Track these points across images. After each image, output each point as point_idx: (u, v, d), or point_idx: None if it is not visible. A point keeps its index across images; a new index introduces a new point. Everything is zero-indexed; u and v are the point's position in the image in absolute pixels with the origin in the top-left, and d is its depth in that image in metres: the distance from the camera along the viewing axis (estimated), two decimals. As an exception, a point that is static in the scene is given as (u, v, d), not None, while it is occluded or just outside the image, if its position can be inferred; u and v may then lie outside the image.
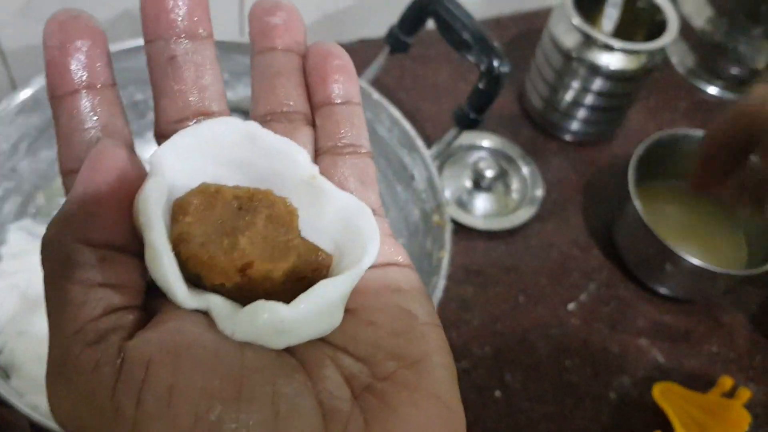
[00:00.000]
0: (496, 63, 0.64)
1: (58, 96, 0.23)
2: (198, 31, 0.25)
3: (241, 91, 0.76)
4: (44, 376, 0.50)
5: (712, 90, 0.99)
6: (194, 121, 0.25)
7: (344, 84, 0.27)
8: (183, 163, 0.24)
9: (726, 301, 0.79)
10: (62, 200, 0.65)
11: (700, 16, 0.94)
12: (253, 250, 0.23)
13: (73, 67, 0.23)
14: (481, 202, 0.82)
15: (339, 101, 0.27)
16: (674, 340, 0.75)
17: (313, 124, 0.27)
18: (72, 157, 0.23)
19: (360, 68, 0.72)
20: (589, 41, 0.79)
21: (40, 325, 0.60)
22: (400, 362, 0.23)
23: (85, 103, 0.23)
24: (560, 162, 0.88)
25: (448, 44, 0.68)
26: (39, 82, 0.65)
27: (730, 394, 0.71)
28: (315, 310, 0.23)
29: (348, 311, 0.24)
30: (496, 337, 0.73)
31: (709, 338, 0.77)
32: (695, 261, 0.70)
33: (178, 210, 0.23)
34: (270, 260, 0.23)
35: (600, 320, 0.76)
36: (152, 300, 0.23)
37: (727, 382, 0.71)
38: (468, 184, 0.83)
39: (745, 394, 0.71)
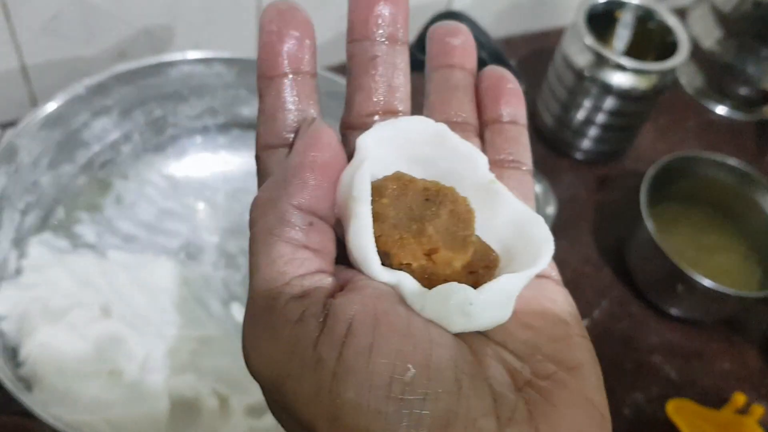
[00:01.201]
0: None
1: (269, 77, 0.26)
2: (398, 36, 0.28)
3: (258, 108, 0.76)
4: (67, 388, 0.49)
5: (721, 110, 1.00)
6: (377, 117, 0.28)
7: (514, 106, 0.30)
8: (379, 150, 0.26)
9: (738, 321, 0.80)
10: (83, 214, 0.65)
11: (710, 37, 0.96)
12: (438, 238, 0.25)
13: (285, 52, 0.26)
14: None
15: (508, 120, 0.29)
16: (687, 358, 0.76)
17: (481, 138, 0.30)
18: (273, 134, 0.26)
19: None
20: (601, 61, 0.80)
21: (61, 337, 0.60)
22: (559, 366, 0.24)
23: (291, 86, 0.26)
24: (572, 180, 0.89)
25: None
26: (62, 98, 0.66)
27: (744, 410, 0.71)
28: (497, 300, 0.24)
29: None
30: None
31: (722, 356, 0.77)
32: (708, 283, 0.71)
33: (374, 192, 0.25)
34: (452, 250, 0.25)
35: (613, 337, 0.76)
36: (340, 271, 0.25)
37: (740, 398, 0.71)
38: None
39: (758, 410, 0.71)
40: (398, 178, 0.26)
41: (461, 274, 0.25)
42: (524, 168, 0.29)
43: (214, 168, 0.78)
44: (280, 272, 0.23)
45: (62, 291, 0.64)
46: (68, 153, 0.70)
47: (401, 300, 0.24)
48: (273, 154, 0.26)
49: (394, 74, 0.28)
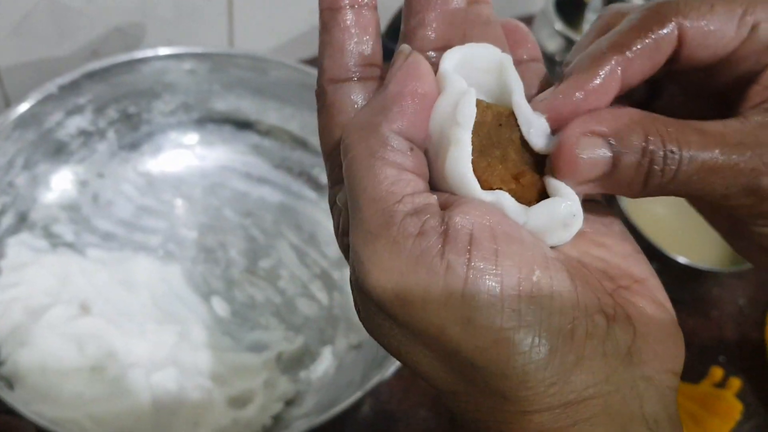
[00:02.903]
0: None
1: (334, 8, 0.26)
2: None
3: (233, 102, 0.77)
4: (50, 385, 0.49)
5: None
6: (437, 52, 0.28)
7: (533, 49, 0.31)
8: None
9: (714, 297, 0.81)
10: (60, 213, 0.65)
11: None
12: (521, 161, 0.26)
13: None
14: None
15: (528, 59, 0.31)
16: (664, 335, 0.77)
17: None
18: (340, 67, 0.27)
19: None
20: (572, 46, 0.81)
21: (42, 335, 0.60)
22: (633, 278, 0.27)
23: (358, 18, 0.27)
24: (547, 165, 0.89)
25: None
26: (35, 97, 0.66)
27: (721, 384, 0.73)
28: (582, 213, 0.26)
29: (576, 234, 0.27)
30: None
31: (699, 332, 0.78)
32: (682, 260, 0.72)
33: None
34: (534, 171, 0.27)
35: (591, 317, 0.77)
36: (436, 194, 0.26)
37: (717, 372, 0.73)
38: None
39: (735, 383, 0.72)
40: (477, 104, 0.26)
41: (542, 196, 0.27)
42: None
43: (190, 163, 0.78)
44: (390, 191, 0.24)
45: (42, 290, 0.64)
46: (43, 153, 0.70)
47: (506, 215, 0.25)
48: (340, 88, 0.27)
49: (451, 5, 0.28)
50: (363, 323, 0.26)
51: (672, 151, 0.25)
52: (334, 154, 0.27)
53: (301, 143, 0.78)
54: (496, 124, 0.27)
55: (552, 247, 0.26)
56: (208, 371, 0.64)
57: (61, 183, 0.72)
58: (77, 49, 0.78)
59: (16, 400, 0.52)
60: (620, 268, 0.27)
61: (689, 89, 0.31)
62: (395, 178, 0.24)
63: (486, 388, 0.24)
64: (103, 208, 0.73)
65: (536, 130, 0.26)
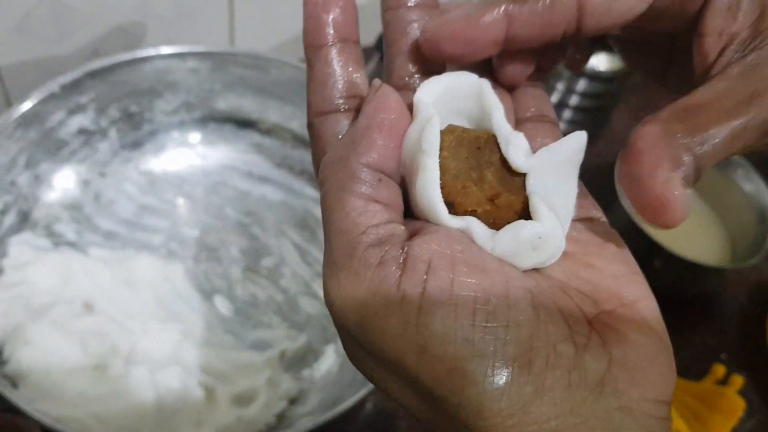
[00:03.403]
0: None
1: (316, 46, 0.28)
2: (430, 1, 0.30)
3: (233, 101, 0.77)
4: (53, 384, 0.50)
5: (693, 89, 1.01)
6: (417, 77, 0.29)
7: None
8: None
9: (715, 294, 0.81)
10: (62, 213, 0.65)
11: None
12: (497, 183, 0.26)
13: (331, 22, 0.28)
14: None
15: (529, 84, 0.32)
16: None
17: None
18: (324, 101, 0.28)
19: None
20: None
21: (45, 334, 0.60)
22: (621, 300, 0.26)
23: (339, 54, 0.28)
24: (548, 163, 0.89)
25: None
26: (37, 97, 0.66)
27: (724, 381, 0.73)
28: (560, 233, 0.26)
29: (564, 255, 0.27)
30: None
31: (700, 329, 0.78)
32: (684, 256, 0.72)
33: None
34: (512, 193, 0.26)
35: (593, 315, 0.77)
36: (408, 223, 0.26)
37: (719, 370, 0.73)
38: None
39: (738, 381, 0.72)
40: (452, 130, 0.27)
41: (521, 216, 0.26)
42: (548, 120, 0.31)
43: (192, 162, 0.78)
44: (355, 223, 0.24)
45: (44, 288, 0.64)
46: (45, 152, 0.70)
47: (472, 242, 0.25)
48: (325, 120, 0.28)
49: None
50: (345, 352, 0.27)
51: (701, 144, 0.25)
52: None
53: (302, 142, 0.78)
54: (474, 148, 0.27)
55: (536, 270, 0.26)
56: (211, 370, 0.64)
57: (64, 182, 0.72)
58: (78, 48, 0.78)
59: (19, 398, 0.52)
60: (609, 290, 0.27)
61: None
62: (362, 209, 0.25)
63: (449, 417, 0.23)
64: (105, 207, 0.73)
65: (515, 147, 0.26)
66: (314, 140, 0.28)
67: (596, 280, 0.27)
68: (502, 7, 0.27)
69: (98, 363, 0.61)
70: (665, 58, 0.31)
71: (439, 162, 0.26)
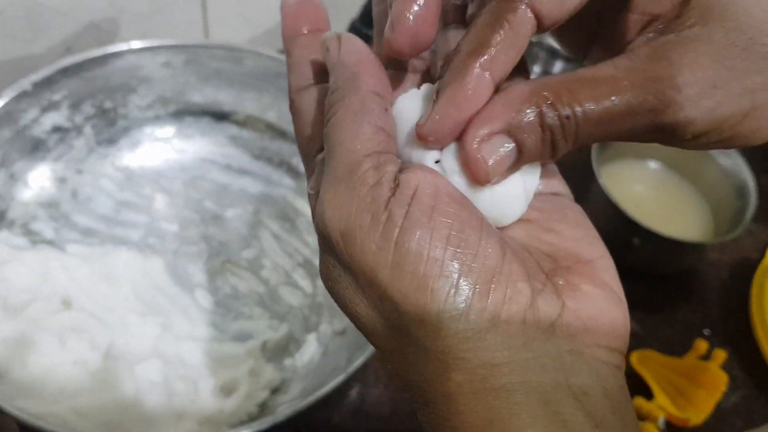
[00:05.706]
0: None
1: (294, 35, 0.31)
2: None
3: (210, 94, 0.77)
4: (32, 380, 0.51)
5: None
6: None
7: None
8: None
9: (696, 270, 0.81)
10: (39, 211, 0.64)
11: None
12: None
13: (305, 16, 0.31)
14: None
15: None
16: (649, 310, 0.77)
17: None
18: (302, 76, 0.31)
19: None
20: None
21: (23, 330, 0.60)
22: (579, 259, 0.28)
23: (313, 40, 0.31)
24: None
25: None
26: (9, 95, 0.66)
27: (706, 356, 0.73)
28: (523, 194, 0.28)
29: (527, 221, 0.29)
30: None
31: (683, 305, 0.78)
32: (663, 234, 0.72)
33: None
34: None
35: (576, 296, 0.77)
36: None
37: (702, 345, 0.73)
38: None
39: (720, 355, 0.72)
40: None
41: None
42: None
43: (169, 157, 0.78)
44: (364, 146, 0.26)
45: (22, 287, 0.64)
46: (19, 151, 0.69)
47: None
48: (305, 93, 0.30)
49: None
50: (320, 273, 0.28)
51: (567, 117, 0.25)
52: (308, 148, 0.30)
53: (279, 133, 0.78)
54: None
55: (500, 229, 0.28)
56: (192, 362, 0.64)
57: (39, 180, 0.71)
58: (51, 46, 0.78)
59: (-3, 395, 0.52)
60: (568, 250, 0.28)
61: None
62: (371, 135, 0.26)
63: (410, 339, 0.25)
64: (82, 204, 0.73)
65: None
66: (296, 115, 0.31)
67: (556, 242, 0.29)
68: (478, 67, 0.26)
69: (77, 358, 0.61)
70: (590, 34, 0.31)
71: None
